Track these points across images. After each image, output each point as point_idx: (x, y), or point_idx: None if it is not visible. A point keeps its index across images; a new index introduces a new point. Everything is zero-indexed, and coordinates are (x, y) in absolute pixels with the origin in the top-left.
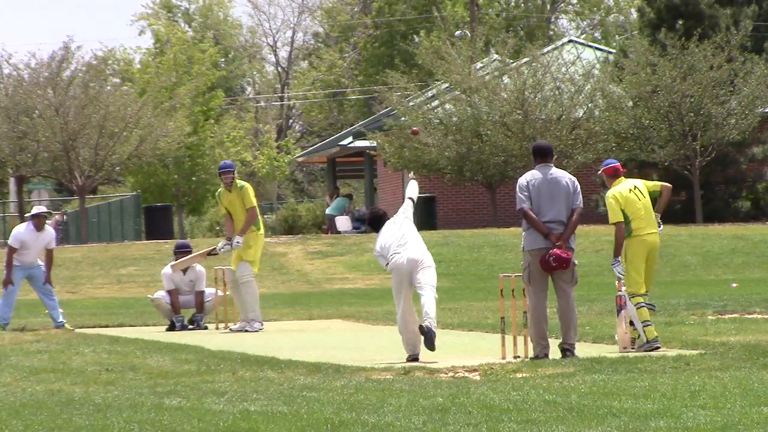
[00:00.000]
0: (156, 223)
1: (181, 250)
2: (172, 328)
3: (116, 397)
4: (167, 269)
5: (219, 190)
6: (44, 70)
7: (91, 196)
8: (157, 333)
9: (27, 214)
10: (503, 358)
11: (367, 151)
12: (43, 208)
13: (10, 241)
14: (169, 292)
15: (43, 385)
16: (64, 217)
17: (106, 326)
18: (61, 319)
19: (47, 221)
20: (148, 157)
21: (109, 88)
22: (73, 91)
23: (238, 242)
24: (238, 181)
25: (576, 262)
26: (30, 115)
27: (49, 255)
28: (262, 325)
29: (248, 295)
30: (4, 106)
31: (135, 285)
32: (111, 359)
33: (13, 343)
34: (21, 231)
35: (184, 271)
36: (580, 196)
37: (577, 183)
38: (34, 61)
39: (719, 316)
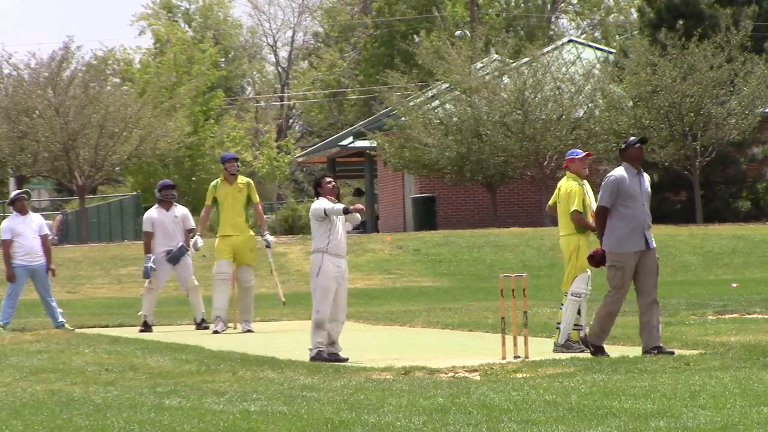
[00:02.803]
0: None
1: (167, 186)
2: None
3: (116, 397)
4: (151, 209)
5: (216, 180)
6: (44, 70)
7: (91, 196)
8: (158, 333)
9: (7, 202)
10: (503, 358)
11: (367, 151)
12: (19, 191)
13: (1, 236)
14: (146, 233)
15: (43, 385)
16: (65, 216)
17: (106, 326)
18: (61, 319)
19: (49, 219)
20: (148, 157)
21: (109, 88)
22: (73, 91)
23: (272, 239)
24: (241, 176)
25: (613, 264)
26: (30, 115)
27: (44, 242)
28: (252, 327)
29: (248, 298)
30: (4, 106)
31: (135, 285)
32: (111, 359)
33: (13, 343)
34: (6, 221)
35: (167, 207)
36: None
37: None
38: (34, 61)
39: (719, 316)
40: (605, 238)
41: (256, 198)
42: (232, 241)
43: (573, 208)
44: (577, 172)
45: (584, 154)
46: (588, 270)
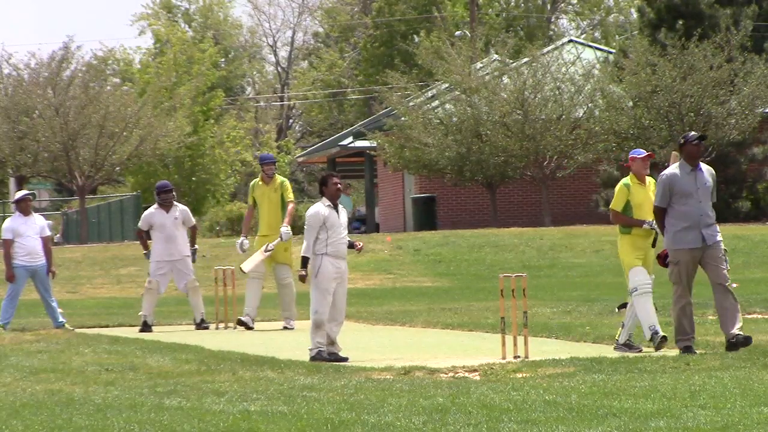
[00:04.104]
0: None
1: (164, 190)
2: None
3: (116, 397)
4: (151, 209)
5: (254, 180)
6: (44, 70)
7: (91, 196)
8: (158, 333)
9: (11, 201)
10: (503, 358)
11: (367, 151)
12: (25, 192)
13: (3, 235)
14: (139, 232)
15: (43, 385)
16: (65, 215)
17: (106, 326)
18: (61, 319)
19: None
20: (148, 157)
21: (109, 88)
22: (73, 91)
23: (287, 232)
24: (277, 176)
25: (671, 260)
26: (30, 115)
27: (45, 244)
28: (293, 325)
29: (287, 296)
30: (4, 106)
31: (135, 285)
32: (111, 359)
33: (13, 343)
34: (8, 221)
35: (167, 209)
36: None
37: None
38: (34, 61)
39: None
40: (665, 236)
41: (289, 197)
42: (268, 240)
43: (611, 207)
44: (637, 172)
45: (645, 154)
46: (639, 266)
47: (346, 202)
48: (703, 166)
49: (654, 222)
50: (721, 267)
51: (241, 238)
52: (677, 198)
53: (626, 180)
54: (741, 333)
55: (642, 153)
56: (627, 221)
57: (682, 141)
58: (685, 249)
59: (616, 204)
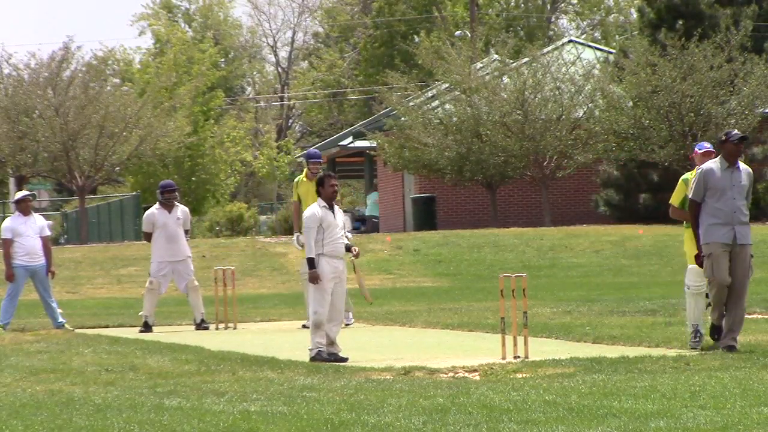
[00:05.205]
0: None
1: (168, 189)
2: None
3: (116, 397)
4: (153, 210)
5: (298, 177)
6: (44, 71)
7: (91, 196)
8: (158, 333)
9: (11, 201)
10: (503, 358)
11: (367, 151)
12: (25, 192)
13: (2, 235)
14: (145, 236)
15: (43, 385)
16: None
17: (106, 326)
18: (60, 319)
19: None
20: (148, 157)
21: (109, 88)
22: (73, 92)
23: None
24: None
25: (704, 254)
26: (30, 115)
27: (45, 244)
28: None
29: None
30: (4, 106)
31: (135, 285)
32: (111, 359)
33: (13, 343)
34: (8, 221)
35: (170, 209)
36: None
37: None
38: (34, 61)
39: None
40: (699, 231)
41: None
42: None
43: (670, 201)
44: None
45: (704, 150)
46: (694, 265)
47: (374, 199)
48: (742, 166)
49: None
50: (740, 275)
51: (296, 234)
52: (711, 193)
53: (687, 175)
54: (735, 345)
55: (703, 147)
56: (683, 215)
57: (723, 138)
58: (718, 243)
59: (674, 199)
